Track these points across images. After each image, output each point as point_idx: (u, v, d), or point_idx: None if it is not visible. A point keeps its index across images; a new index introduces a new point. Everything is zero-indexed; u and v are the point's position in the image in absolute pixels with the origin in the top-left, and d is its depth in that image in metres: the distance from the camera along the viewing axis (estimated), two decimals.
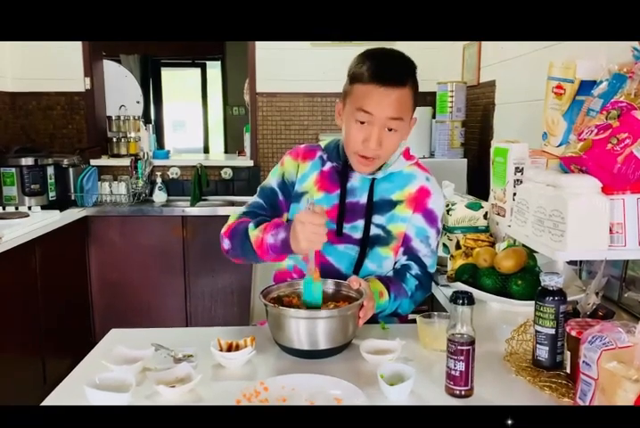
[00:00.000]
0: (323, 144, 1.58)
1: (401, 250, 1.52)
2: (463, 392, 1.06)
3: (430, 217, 1.52)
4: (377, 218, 1.49)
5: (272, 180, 1.55)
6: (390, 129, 1.37)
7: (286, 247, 1.29)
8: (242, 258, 1.45)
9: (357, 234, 1.49)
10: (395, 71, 1.35)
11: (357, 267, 1.49)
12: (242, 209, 1.53)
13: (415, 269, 1.51)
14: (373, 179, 1.50)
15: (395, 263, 1.53)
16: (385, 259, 1.51)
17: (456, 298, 1.06)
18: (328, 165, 1.53)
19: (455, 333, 1.06)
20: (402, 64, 1.39)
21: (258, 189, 1.57)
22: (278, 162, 1.59)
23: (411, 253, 1.52)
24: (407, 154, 1.55)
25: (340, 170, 1.51)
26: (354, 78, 1.38)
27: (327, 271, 1.45)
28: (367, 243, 1.48)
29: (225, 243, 1.46)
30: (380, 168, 1.50)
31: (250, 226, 1.39)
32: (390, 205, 1.50)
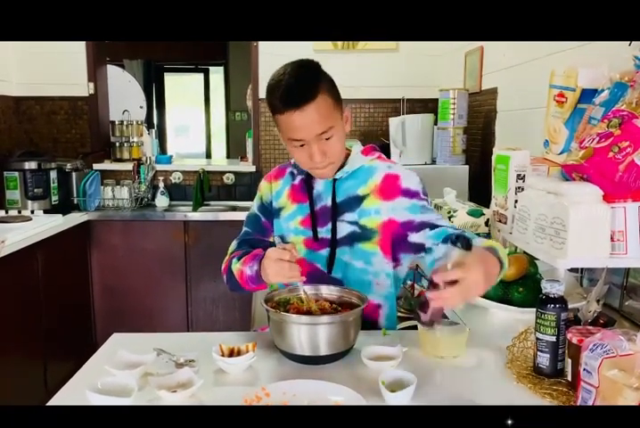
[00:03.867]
0: (293, 159, 1.60)
1: (415, 234, 1.43)
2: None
3: (409, 193, 1.47)
4: (348, 216, 1.49)
5: (254, 206, 1.65)
6: (327, 138, 1.39)
7: (261, 278, 1.38)
8: (239, 291, 1.52)
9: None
10: (301, 89, 1.34)
11: (330, 266, 1.49)
12: (236, 240, 1.62)
13: (450, 229, 1.40)
14: (334, 180, 1.51)
15: (426, 249, 1.41)
16: (372, 256, 1.48)
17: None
18: (298, 178, 1.57)
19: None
20: (307, 78, 1.37)
21: (245, 218, 1.66)
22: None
23: (426, 226, 1.42)
24: (367, 151, 1.55)
25: (304, 180, 1.56)
26: (272, 110, 1.40)
27: (319, 277, 1.49)
28: (336, 242, 1.49)
29: (225, 280, 1.55)
30: (339, 169, 1.50)
31: (234, 260, 1.49)
32: (358, 200, 1.50)
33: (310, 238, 1.51)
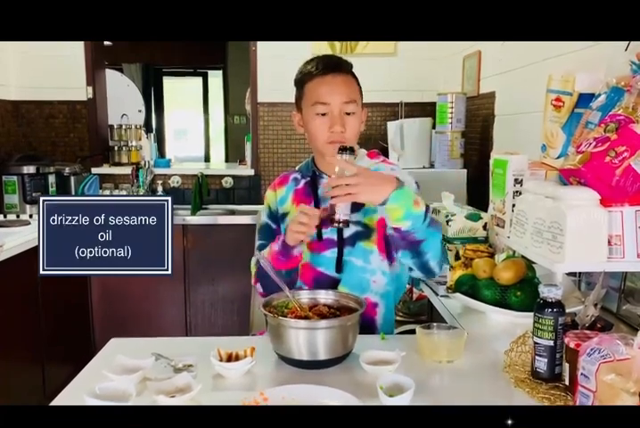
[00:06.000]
0: (298, 166, 1.68)
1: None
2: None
3: None
4: (353, 216, 1.49)
5: (263, 216, 1.67)
6: (348, 113, 1.48)
7: (288, 248, 1.42)
8: (275, 286, 1.42)
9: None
10: (334, 61, 1.52)
11: (339, 267, 1.51)
12: (255, 256, 1.64)
13: None
14: None
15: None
16: (370, 254, 1.51)
17: (341, 150, 1.28)
18: (302, 182, 1.61)
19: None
20: (339, 59, 1.54)
21: (257, 230, 1.68)
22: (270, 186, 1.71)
23: None
24: (372, 155, 1.62)
25: (309, 181, 1.58)
26: (302, 81, 1.52)
27: (321, 280, 1.51)
28: (343, 244, 1.51)
29: (259, 288, 1.58)
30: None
31: (263, 253, 1.51)
32: None
33: (314, 240, 1.52)
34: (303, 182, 1.60)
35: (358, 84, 1.54)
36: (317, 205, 1.55)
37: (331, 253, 1.52)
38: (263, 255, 1.46)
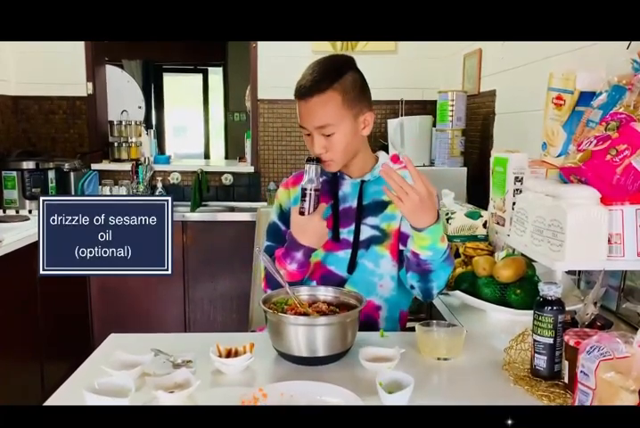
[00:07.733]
0: None
1: (403, 247, 1.51)
2: None
3: None
4: (371, 220, 1.52)
5: (273, 216, 1.63)
6: (328, 135, 1.43)
7: (307, 252, 1.43)
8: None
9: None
10: (313, 80, 1.41)
11: (351, 268, 1.51)
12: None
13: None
14: (362, 182, 1.53)
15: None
16: (381, 258, 1.51)
17: (308, 159, 1.41)
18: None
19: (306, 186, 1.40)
20: (324, 69, 1.44)
21: (266, 230, 1.65)
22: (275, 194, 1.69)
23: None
24: (395, 159, 1.60)
25: (330, 181, 1.56)
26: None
27: (329, 279, 1.50)
28: (358, 245, 1.51)
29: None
30: (368, 172, 1.54)
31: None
32: (382, 206, 1.52)
33: (329, 239, 1.50)
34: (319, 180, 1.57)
35: (347, 96, 1.41)
36: (336, 205, 1.53)
37: (344, 254, 1.52)
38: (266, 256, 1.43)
